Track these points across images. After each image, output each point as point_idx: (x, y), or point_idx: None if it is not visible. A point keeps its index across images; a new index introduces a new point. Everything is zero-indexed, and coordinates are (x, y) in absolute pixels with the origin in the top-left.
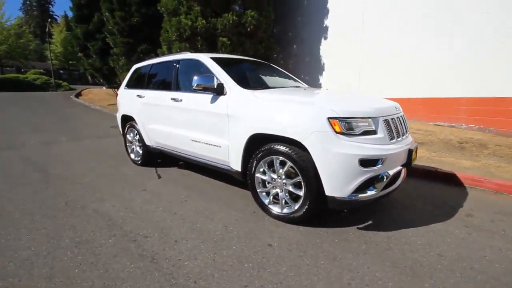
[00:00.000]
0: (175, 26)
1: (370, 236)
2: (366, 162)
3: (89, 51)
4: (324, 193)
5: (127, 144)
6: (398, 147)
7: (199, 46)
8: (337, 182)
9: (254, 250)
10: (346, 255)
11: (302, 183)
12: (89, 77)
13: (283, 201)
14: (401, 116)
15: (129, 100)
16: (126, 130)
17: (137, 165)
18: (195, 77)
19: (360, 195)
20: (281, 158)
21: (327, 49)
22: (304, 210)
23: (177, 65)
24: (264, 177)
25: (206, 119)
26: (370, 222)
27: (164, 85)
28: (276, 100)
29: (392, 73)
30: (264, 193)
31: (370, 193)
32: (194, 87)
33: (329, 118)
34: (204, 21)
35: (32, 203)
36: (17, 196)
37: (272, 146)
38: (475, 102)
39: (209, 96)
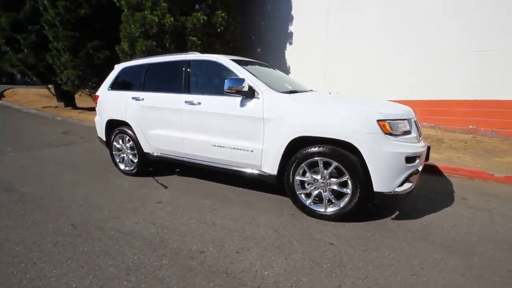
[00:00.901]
0: (140, 22)
1: (407, 225)
2: (410, 159)
3: (18, 44)
4: (373, 189)
5: (114, 152)
6: (424, 145)
7: (167, 44)
8: (386, 178)
9: (320, 251)
10: (401, 243)
11: (349, 182)
12: (18, 75)
13: (326, 200)
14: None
15: (118, 103)
16: (113, 137)
17: (128, 175)
18: (227, 80)
19: (399, 189)
20: (325, 159)
21: (293, 53)
22: (352, 206)
23: (187, 66)
24: (304, 179)
25: (234, 123)
26: (397, 212)
27: (171, 87)
28: (321, 104)
29: (355, 77)
30: (303, 195)
31: (407, 186)
32: (226, 90)
33: (378, 121)
34: (172, 18)
35: (27, 230)
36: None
37: (316, 148)
38: (425, 104)
39: (235, 99)
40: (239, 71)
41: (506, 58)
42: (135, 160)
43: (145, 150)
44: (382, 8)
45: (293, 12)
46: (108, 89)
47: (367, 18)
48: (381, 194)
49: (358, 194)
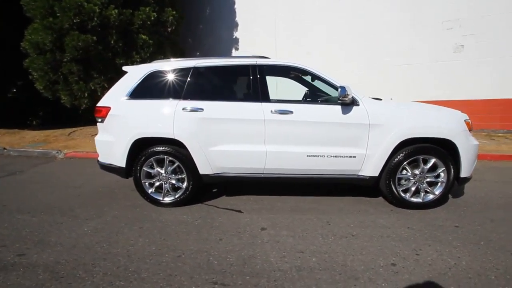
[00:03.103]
0: (73, 11)
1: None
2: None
3: None
4: (460, 175)
5: (144, 181)
6: None
7: (112, 41)
8: (470, 165)
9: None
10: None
11: (445, 173)
12: None
13: (423, 192)
14: None
15: (157, 116)
16: (142, 160)
17: (163, 206)
18: (341, 88)
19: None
20: (425, 156)
21: None
22: (441, 194)
23: (260, 72)
24: (405, 175)
25: (336, 131)
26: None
27: (240, 95)
28: (423, 109)
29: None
30: (401, 191)
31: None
32: (341, 97)
33: (465, 120)
34: (116, 10)
35: None
36: None
37: (419, 146)
38: None
39: (334, 107)
40: (332, 79)
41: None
42: (183, 185)
43: (201, 172)
44: (329, 26)
45: (237, 19)
46: (127, 98)
47: (315, 36)
48: (464, 179)
49: (451, 182)
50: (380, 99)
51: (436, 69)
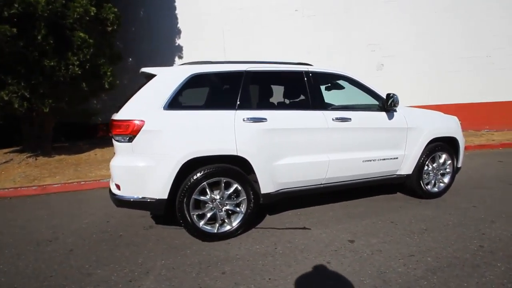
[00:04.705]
0: None
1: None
2: None
3: None
4: (457, 165)
5: (194, 213)
6: None
7: (39, 37)
8: (462, 157)
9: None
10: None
11: (451, 165)
12: None
13: (437, 182)
14: None
15: (211, 130)
16: (190, 186)
17: (222, 239)
18: (396, 96)
19: None
20: (439, 153)
21: None
22: (449, 182)
23: (313, 79)
24: (426, 170)
25: (385, 135)
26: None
27: (297, 103)
28: (438, 114)
29: None
30: (425, 184)
31: None
32: (392, 105)
33: (459, 120)
34: None
35: None
36: None
37: (438, 144)
38: None
39: (380, 113)
40: (371, 86)
41: None
42: (242, 210)
43: (263, 191)
44: (278, 39)
45: (179, 26)
46: (165, 109)
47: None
48: (459, 168)
49: (455, 171)
50: None
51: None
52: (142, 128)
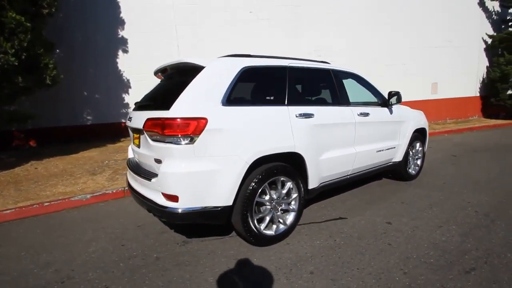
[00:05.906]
0: None
1: None
2: None
3: None
4: (424, 150)
5: (254, 214)
6: None
7: None
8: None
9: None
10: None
11: (422, 150)
12: None
13: (414, 166)
14: None
15: (270, 126)
16: (253, 187)
17: (279, 241)
18: (398, 94)
19: None
20: (417, 142)
21: (131, 65)
22: (421, 164)
23: (334, 76)
24: (409, 156)
25: (389, 127)
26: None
27: (330, 99)
28: (409, 109)
29: None
30: (408, 168)
31: None
32: (397, 102)
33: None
34: None
35: None
36: None
37: (416, 135)
38: None
39: (384, 109)
40: (373, 84)
41: None
42: (295, 207)
43: (310, 186)
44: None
45: (122, 15)
46: (223, 104)
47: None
48: (425, 153)
49: (424, 154)
50: None
51: None
52: (206, 127)
